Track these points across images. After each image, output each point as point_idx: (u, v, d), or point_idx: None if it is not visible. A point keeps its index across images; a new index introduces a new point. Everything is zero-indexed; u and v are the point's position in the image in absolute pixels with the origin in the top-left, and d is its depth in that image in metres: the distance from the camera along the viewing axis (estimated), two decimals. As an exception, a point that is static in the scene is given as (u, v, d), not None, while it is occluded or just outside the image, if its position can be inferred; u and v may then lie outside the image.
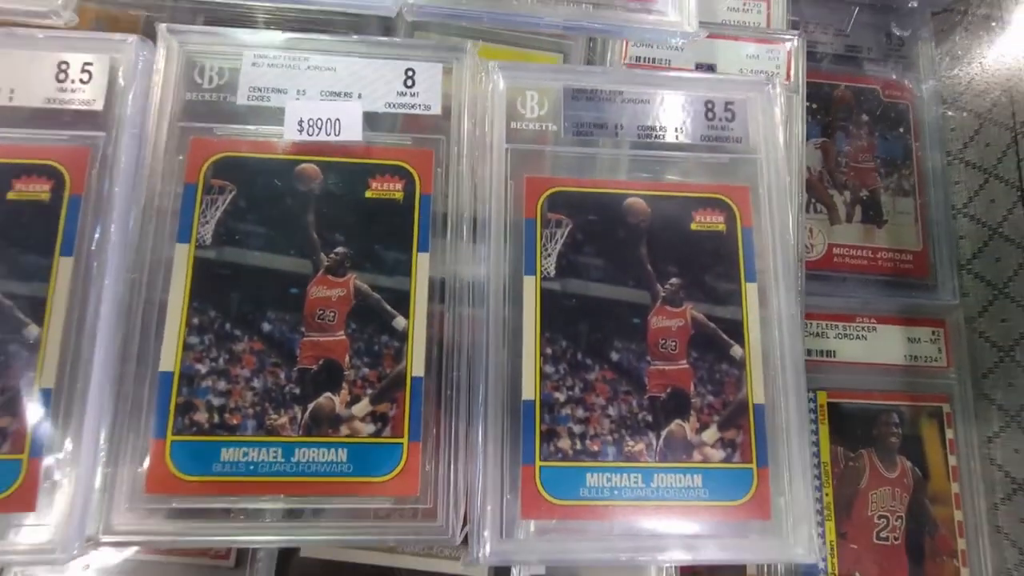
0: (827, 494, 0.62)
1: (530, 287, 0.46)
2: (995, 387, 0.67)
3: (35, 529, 0.39)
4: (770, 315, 0.48)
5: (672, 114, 0.50)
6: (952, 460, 0.65)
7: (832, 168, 0.72)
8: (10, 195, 0.44)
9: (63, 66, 0.46)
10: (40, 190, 0.44)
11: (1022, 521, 0.63)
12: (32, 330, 0.41)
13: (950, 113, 0.76)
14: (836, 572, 0.61)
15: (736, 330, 0.47)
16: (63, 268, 0.43)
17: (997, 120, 0.71)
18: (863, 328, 0.68)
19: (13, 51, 0.46)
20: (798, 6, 0.76)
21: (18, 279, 0.42)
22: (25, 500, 0.40)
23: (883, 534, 0.62)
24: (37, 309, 0.42)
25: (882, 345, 0.68)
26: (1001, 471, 0.65)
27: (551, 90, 0.49)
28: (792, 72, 0.69)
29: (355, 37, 0.49)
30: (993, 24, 0.75)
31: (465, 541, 0.44)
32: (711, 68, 0.67)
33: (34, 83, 0.45)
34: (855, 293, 0.69)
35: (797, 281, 0.50)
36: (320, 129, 0.46)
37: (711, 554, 0.43)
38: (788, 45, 0.68)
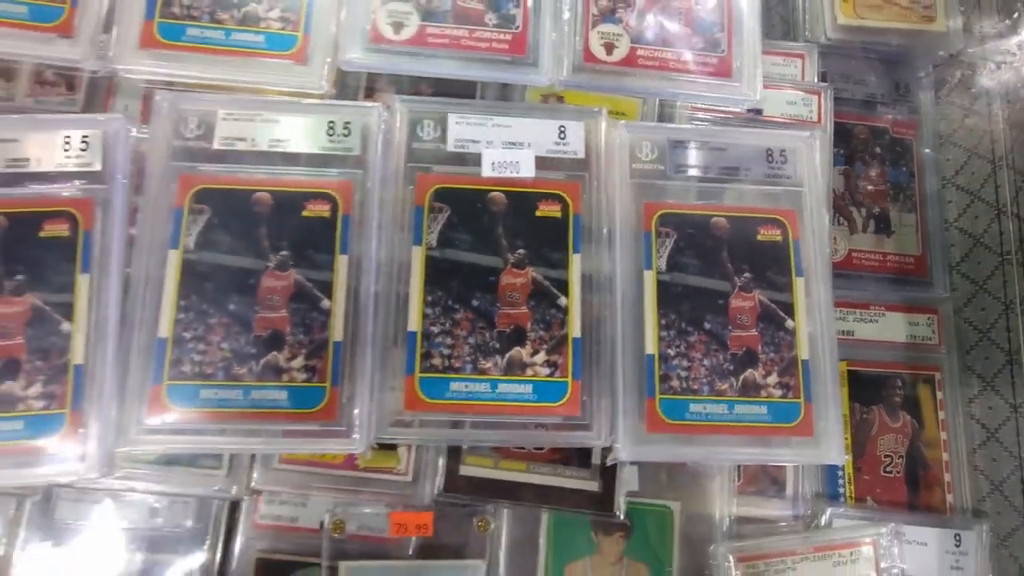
0: (847, 438, 0.82)
1: (649, 279, 0.67)
2: (975, 360, 0.85)
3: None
4: (812, 301, 0.68)
5: (743, 158, 0.71)
6: (941, 415, 0.83)
7: (852, 190, 0.89)
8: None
9: (331, 124, 0.67)
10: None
11: (994, 461, 0.81)
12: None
13: (945, 147, 0.92)
14: (854, 496, 0.81)
15: (789, 310, 0.68)
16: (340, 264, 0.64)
17: (981, 154, 0.89)
18: (875, 314, 0.86)
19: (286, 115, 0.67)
20: (826, 61, 0.92)
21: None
22: (328, 413, 0.61)
23: (888, 469, 0.81)
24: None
25: (889, 327, 0.85)
26: (978, 423, 0.84)
27: (660, 141, 0.70)
28: (822, 114, 0.89)
29: (525, 104, 0.70)
30: (978, 79, 0.93)
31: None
32: (759, 112, 0.87)
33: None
34: (869, 288, 0.86)
35: (829, 277, 0.70)
36: (506, 169, 0.67)
37: (777, 456, 0.65)
38: (819, 94, 0.88)
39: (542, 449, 0.71)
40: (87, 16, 0.67)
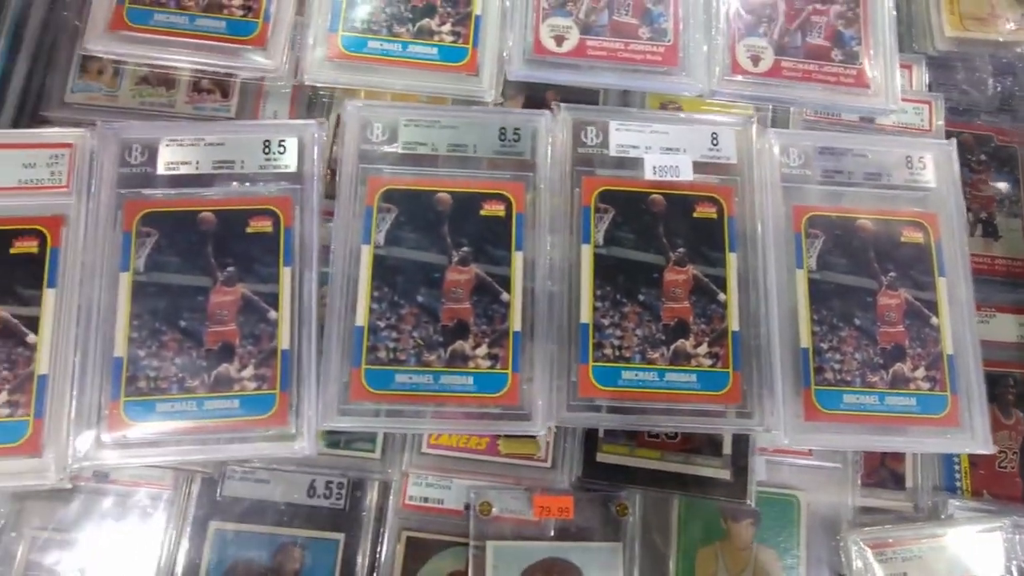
0: (965, 434, 0.85)
1: (801, 278, 0.71)
2: (1084, 358, 0.86)
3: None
4: (955, 299, 0.72)
5: (884, 164, 0.75)
6: (1053, 411, 0.84)
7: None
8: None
9: (503, 130, 0.72)
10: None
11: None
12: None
13: (1048, 155, 0.96)
14: (970, 489, 0.84)
15: (933, 307, 0.72)
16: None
17: (1082, 158, 0.92)
18: (986, 316, 0.87)
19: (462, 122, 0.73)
20: (935, 73, 0.96)
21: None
22: (511, 397, 0.66)
23: (1002, 464, 0.82)
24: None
25: (1000, 328, 0.87)
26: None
27: (807, 147, 0.74)
28: (932, 123, 0.92)
29: (682, 115, 0.75)
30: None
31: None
32: (871, 120, 0.90)
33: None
34: (980, 290, 0.85)
35: (969, 277, 0.73)
36: (666, 172, 0.72)
37: (925, 445, 0.70)
38: (930, 103, 0.92)
39: (675, 438, 0.75)
40: (279, 31, 0.73)
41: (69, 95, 0.80)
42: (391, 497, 0.74)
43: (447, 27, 0.75)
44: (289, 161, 0.70)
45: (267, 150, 0.70)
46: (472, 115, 0.72)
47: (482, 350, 0.67)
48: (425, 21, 0.75)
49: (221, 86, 0.82)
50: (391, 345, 0.66)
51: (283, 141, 0.70)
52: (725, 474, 0.74)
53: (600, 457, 0.74)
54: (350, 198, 0.69)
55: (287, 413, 0.65)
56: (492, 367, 0.66)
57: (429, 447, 0.74)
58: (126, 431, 0.63)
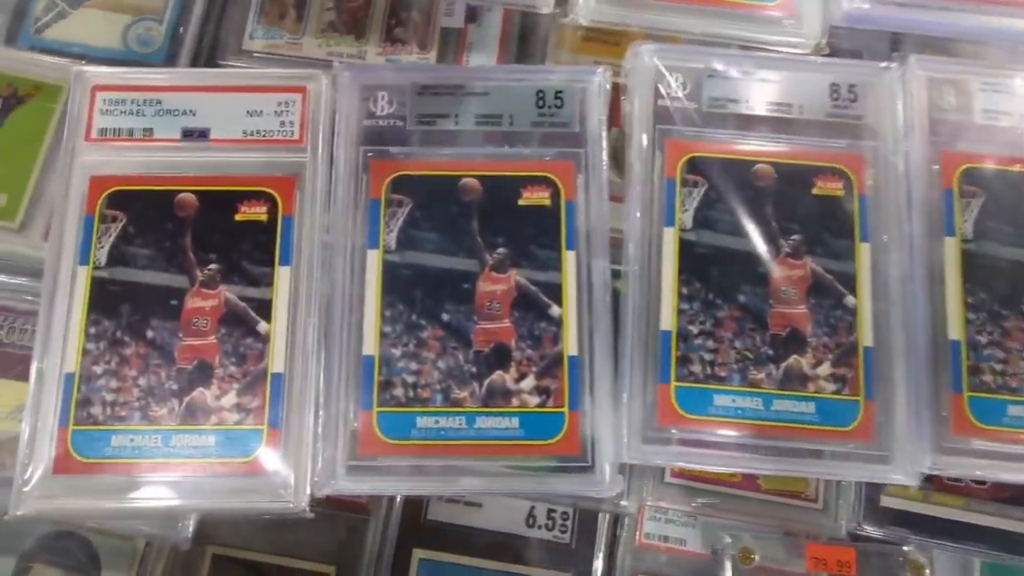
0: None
1: (952, 248, 0.54)
2: None
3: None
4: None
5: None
6: None
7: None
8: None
9: (834, 86, 0.57)
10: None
11: None
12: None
13: None
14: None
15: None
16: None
17: None
18: None
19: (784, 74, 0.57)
20: None
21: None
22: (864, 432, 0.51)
23: None
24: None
25: None
26: None
27: (965, 83, 0.56)
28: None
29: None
30: None
31: None
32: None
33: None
34: None
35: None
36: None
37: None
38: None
39: (984, 483, 0.60)
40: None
41: (247, 42, 0.68)
42: (623, 532, 0.63)
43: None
44: (568, 117, 0.56)
45: (541, 103, 0.56)
46: (799, 67, 0.57)
47: (824, 368, 0.52)
48: (728, -54, 0.60)
49: (418, 35, 0.69)
50: (707, 357, 0.52)
51: (560, 92, 0.56)
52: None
53: (885, 501, 0.61)
54: (646, 167, 0.55)
55: (576, 436, 0.51)
56: (838, 392, 0.51)
57: (672, 476, 0.62)
58: (379, 453, 0.51)
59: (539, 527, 0.63)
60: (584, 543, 0.63)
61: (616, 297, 0.53)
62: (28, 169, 0.62)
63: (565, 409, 0.51)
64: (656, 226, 0.54)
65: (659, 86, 0.56)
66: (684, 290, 0.53)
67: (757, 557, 0.58)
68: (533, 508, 0.63)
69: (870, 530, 0.60)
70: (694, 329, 0.53)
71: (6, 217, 0.61)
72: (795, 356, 0.53)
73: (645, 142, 0.55)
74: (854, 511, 0.61)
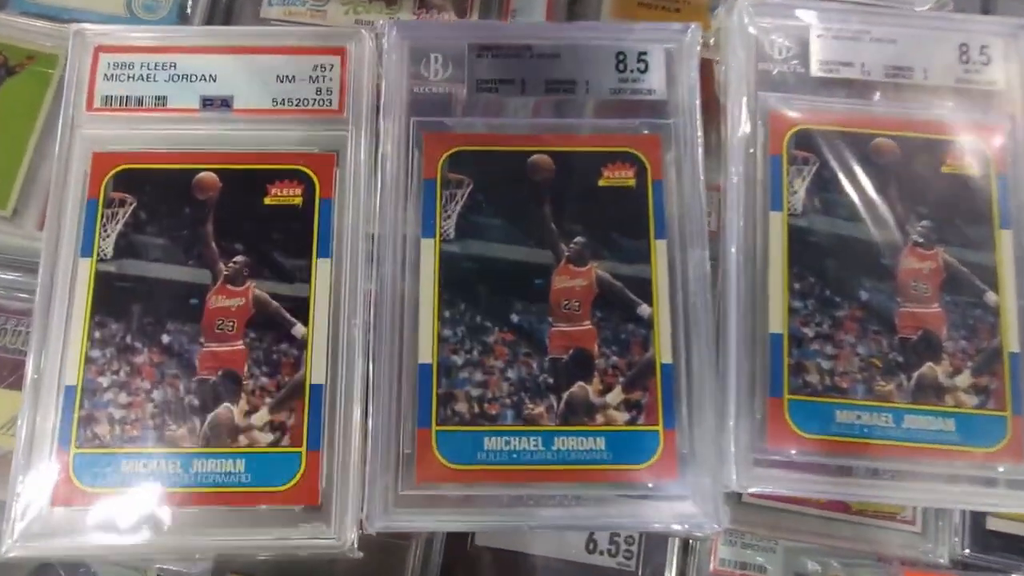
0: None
1: None
2: None
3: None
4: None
5: None
6: None
7: None
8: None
9: (964, 46, 0.49)
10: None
11: None
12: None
13: None
14: None
15: None
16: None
17: None
18: None
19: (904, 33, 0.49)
20: None
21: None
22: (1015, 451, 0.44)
23: None
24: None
25: None
26: None
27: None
28: None
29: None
30: None
31: None
32: None
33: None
34: None
35: None
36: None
37: None
38: None
39: None
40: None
41: (266, 8, 0.61)
42: (694, 558, 0.56)
43: None
44: (653, 83, 0.48)
45: (622, 66, 0.48)
46: (921, 23, 0.49)
47: (964, 378, 0.44)
48: None
49: (455, 1, 0.61)
50: (826, 366, 0.44)
51: (644, 54, 0.48)
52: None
53: (992, 524, 0.53)
54: (746, 143, 0.47)
55: (673, 459, 0.43)
56: (981, 406, 0.44)
57: (752, 497, 0.53)
58: (439, 480, 0.43)
59: (600, 552, 0.55)
60: (651, 571, 0.55)
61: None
62: (20, 148, 0.54)
63: (659, 427, 0.43)
64: (760, 212, 0.46)
65: (759, 48, 0.48)
66: (796, 286, 0.45)
67: (848, 587, 0.51)
68: (594, 532, 0.55)
69: (976, 556, 0.53)
70: (809, 332, 0.45)
71: (-6, 204, 0.53)
72: (929, 364, 0.45)
73: (744, 114, 0.47)
74: (957, 534, 0.53)
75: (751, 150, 0.47)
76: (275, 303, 0.45)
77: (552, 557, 0.55)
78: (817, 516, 0.54)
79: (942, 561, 0.53)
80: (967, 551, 0.53)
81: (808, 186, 0.47)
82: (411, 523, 0.42)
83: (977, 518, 0.53)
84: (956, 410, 0.45)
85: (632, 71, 0.48)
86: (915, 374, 0.45)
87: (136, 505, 0.42)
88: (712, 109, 0.49)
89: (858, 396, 0.44)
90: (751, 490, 0.43)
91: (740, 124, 0.47)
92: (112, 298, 0.45)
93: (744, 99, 0.47)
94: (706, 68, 0.50)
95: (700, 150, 0.47)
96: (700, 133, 0.47)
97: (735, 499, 0.53)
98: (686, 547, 0.56)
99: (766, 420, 0.44)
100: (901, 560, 0.53)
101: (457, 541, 0.55)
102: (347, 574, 0.53)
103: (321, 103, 0.48)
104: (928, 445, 0.44)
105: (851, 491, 0.45)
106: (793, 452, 0.43)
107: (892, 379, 0.45)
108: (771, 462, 0.43)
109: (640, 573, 0.55)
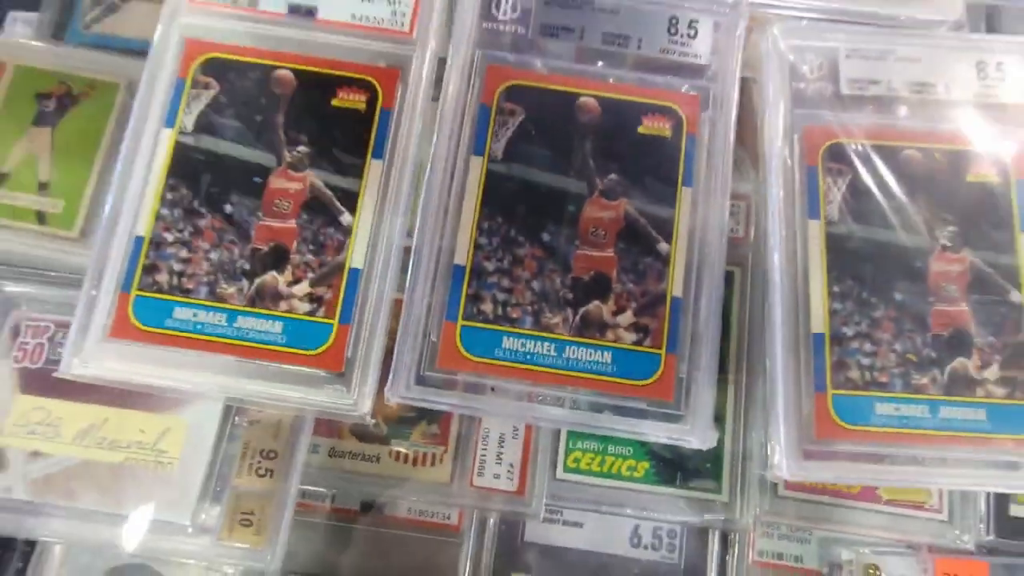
0: None
1: None
2: None
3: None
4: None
5: None
6: None
7: None
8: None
9: (981, 64, 0.52)
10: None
11: None
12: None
13: None
14: None
15: None
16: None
17: None
18: None
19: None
20: None
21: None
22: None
23: None
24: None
25: None
26: None
27: None
28: None
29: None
30: None
31: None
32: None
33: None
34: None
35: None
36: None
37: None
38: None
39: None
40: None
41: None
42: (733, 551, 0.58)
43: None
44: (701, 49, 0.52)
45: (673, 30, 0.52)
46: (939, 43, 0.53)
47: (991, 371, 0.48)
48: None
49: None
50: (866, 362, 0.48)
51: (695, 21, 0.52)
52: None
53: (1015, 510, 0.55)
54: (783, 155, 0.50)
55: (671, 381, 0.47)
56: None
57: (788, 489, 0.56)
58: (458, 368, 0.47)
59: (645, 547, 0.57)
60: (693, 563, 0.57)
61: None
62: (86, 173, 0.57)
63: (662, 351, 0.47)
64: (799, 220, 0.50)
65: (792, 68, 0.52)
66: (835, 289, 0.49)
67: (883, 574, 0.53)
68: (638, 527, 0.57)
69: (1000, 541, 0.55)
70: (849, 331, 0.48)
71: (63, 225, 0.55)
72: (960, 358, 0.48)
73: (781, 129, 0.51)
74: (982, 521, 0.55)
75: (788, 163, 0.51)
76: (329, 192, 0.49)
77: (598, 552, 0.57)
78: (849, 507, 0.56)
79: (968, 546, 0.55)
80: (992, 536, 0.55)
81: (843, 196, 0.50)
82: (426, 400, 0.46)
83: (1001, 505, 0.55)
84: (987, 400, 0.48)
85: (682, 35, 0.52)
86: (947, 368, 0.48)
87: (182, 348, 0.46)
88: (743, 123, 0.53)
89: (896, 390, 0.47)
90: (799, 479, 0.47)
91: (777, 138, 0.51)
92: (186, 166, 0.49)
93: (780, 115, 0.51)
94: (744, 88, 0.53)
95: (734, 114, 0.50)
96: (736, 99, 0.51)
97: (772, 492, 0.56)
98: (725, 540, 0.58)
99: (813, 414, 0.47)
100: (929, 547, 0.55)
101: (508, 539, 0.57)
102: (402, 571, 0.56)
103: (394, 24, 0.52)
104: (962, 433, 0.47)
105: (891, 478, 0.48)
106: (838, 443, 0.46)
107: (926, 373, 0.48)
108: (819, 453, 0.46)
109: (682, 565, 0.57)
